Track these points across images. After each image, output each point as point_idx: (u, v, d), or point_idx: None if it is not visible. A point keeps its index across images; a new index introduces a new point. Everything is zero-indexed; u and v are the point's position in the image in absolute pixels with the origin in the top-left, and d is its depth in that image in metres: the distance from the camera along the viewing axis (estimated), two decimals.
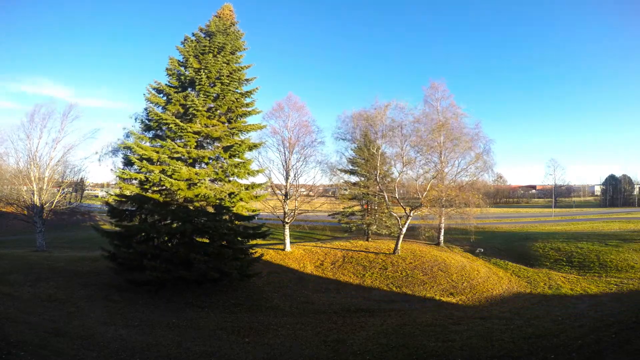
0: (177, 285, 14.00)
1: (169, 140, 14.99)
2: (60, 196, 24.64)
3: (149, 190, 15.14)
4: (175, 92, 15.68)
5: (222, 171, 15.92)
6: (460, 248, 25.52)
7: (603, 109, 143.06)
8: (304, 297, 15.30)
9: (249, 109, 17.24)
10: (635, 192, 76.49)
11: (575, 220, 42.98)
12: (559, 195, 72.16)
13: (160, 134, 15.90)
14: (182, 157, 15.26)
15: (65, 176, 27.50)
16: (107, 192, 16.17)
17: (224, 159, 16.42)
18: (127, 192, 15.38)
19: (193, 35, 16.77)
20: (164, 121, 14.85)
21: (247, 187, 16.64)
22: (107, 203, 15.93)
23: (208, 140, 16.52)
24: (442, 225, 25.93)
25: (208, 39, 16.48)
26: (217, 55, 16.01)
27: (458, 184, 24.77)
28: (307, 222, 29.98)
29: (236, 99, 16.59)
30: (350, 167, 26.33)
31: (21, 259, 17.26)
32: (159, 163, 14.91)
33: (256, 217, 17.01)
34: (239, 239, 15.54)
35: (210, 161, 16.29)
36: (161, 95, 16.08)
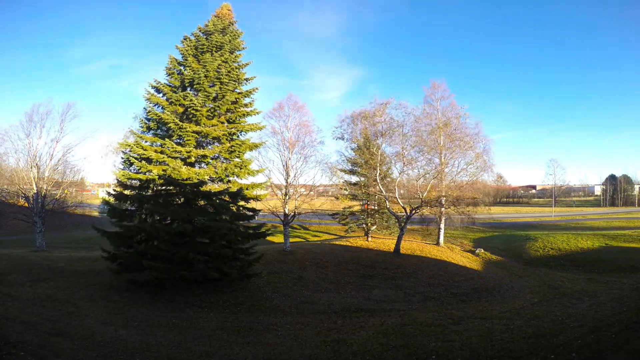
0: (177, 286, 14.00)
1: (167, 140, 14.98)
2: (60, 196, 24.62)
3: (149, 190, 15.13)
4: (173, 92, 15.67)
5: (222, 171, 15.92)
6: (460, 248, 25.53)
7: (603, 109, 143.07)
8: (304, 297, 15.29)
9: (249, 109, 17.23)
10: (635, 192, 76.58)
11: (576, 220, 43.03)
12: (559, 195, 72.16)
13: (160, 133, 15.89)
14: (182, 156, 15.26)
15: (65, 176, 27.45)
16: (107, 192, 16.15)
17: (226, 159, 16.41)
18: (127, 192, 15.38)
19: (192, 34, 16.78)
20: (164, 121, 14.84)
21: (247, 187, 16.64)
22: (107, 203, 15.92)
23: (208, 140, 16.52)
24: (442, 225, 25.93)
25: (206, 37, 16.48)
26: (215, 54, 16.00)
27: (458, 184, 24.79)
28: (307, 222, 30.02)
29: (235, 99, 16.58)
30: (350, 167, 26.34)
31: (21, 259, 17.25)
32: (158, 163, 14.90)
33: (256, 217, 17.02)
34: (239, 239, 15.52)
35: (211, 161, 16.29)
36: (160, 94, 16.06)
